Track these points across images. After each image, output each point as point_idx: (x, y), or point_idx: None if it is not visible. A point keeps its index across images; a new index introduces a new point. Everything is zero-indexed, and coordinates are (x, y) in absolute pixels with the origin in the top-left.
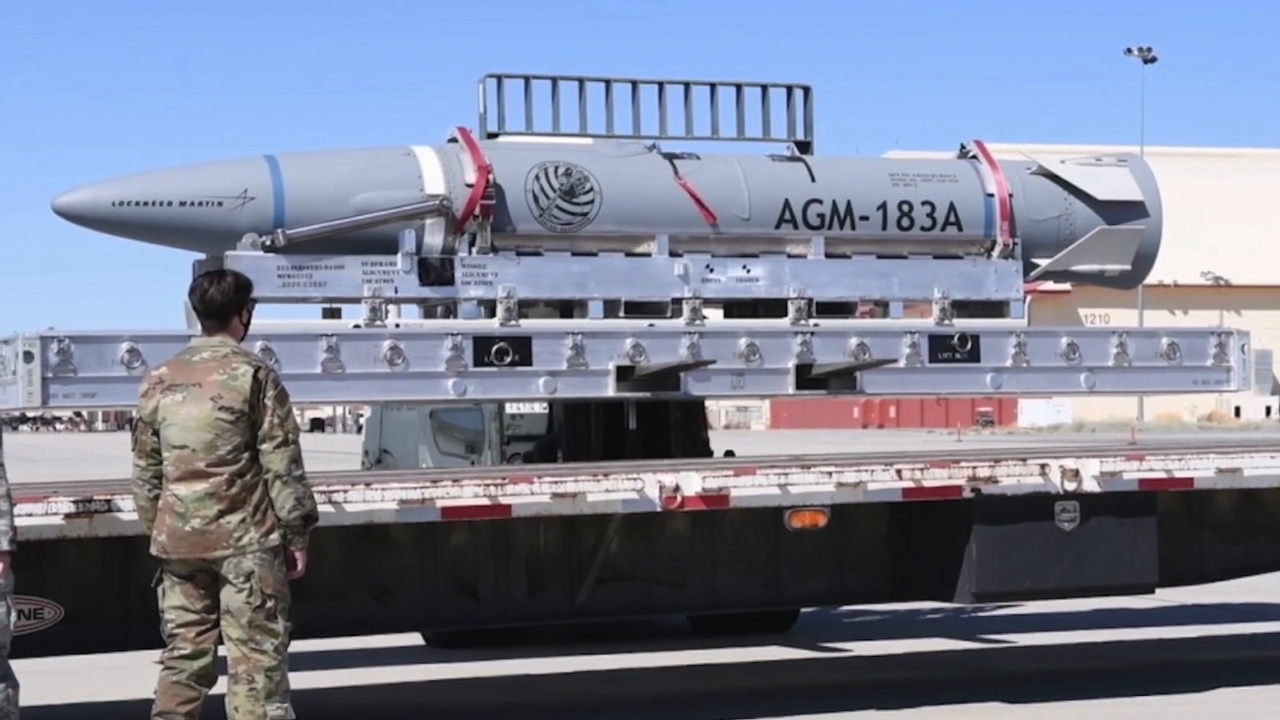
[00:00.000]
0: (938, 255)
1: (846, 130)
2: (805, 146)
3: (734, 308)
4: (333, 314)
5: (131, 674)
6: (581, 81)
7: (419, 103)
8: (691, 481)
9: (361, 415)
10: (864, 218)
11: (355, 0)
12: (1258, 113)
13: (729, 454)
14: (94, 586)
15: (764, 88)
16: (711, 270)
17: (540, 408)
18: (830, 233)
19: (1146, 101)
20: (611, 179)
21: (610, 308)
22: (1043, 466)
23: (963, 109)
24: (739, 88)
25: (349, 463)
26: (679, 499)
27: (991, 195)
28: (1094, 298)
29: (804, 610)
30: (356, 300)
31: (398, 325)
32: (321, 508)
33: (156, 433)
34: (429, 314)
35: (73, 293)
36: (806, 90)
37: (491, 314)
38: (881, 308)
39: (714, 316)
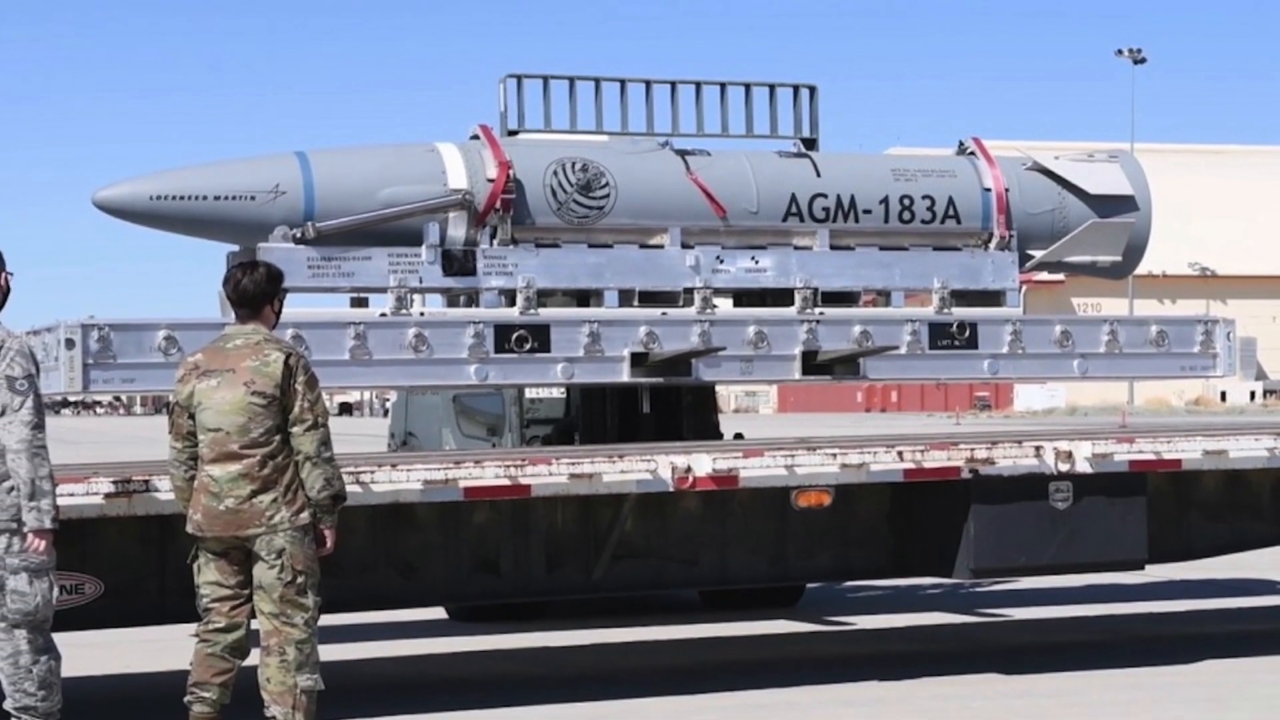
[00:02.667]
0: (937, 247)
1: (850, 128)
2: (811, 143)
3: (743, 297)
4: (360, 303)
5: (168, 646)
6: (598, 81)
7: (442, 102)
8: (702, 463)
9: (388, 400)
10: (867, 211)
11: (381, 4)
12: (1243, 111)
13: (738, 437)
14: (133, 563)
15: (771, 87)
16: (721, 261)
17: (558, 392)
18: (835, 225)
19: (1136, 100)
20: (626, 174)
21: (625, 297)
22: (1037, 448)
23: (961, 108)
24: (748, 87)
25: (376, 445)
26: (690, 479)
27: (989, 190)
28: (1086, 287)
29: (810, 586)
30: (383, 290)
31: (422, 314)
32: (349, 488)
33: (192, 416)
34: (452, 303)
35: (112, 283)
36: (812, 90)
37: (512, 303)
38: (884, 297)
39: (724, 305)
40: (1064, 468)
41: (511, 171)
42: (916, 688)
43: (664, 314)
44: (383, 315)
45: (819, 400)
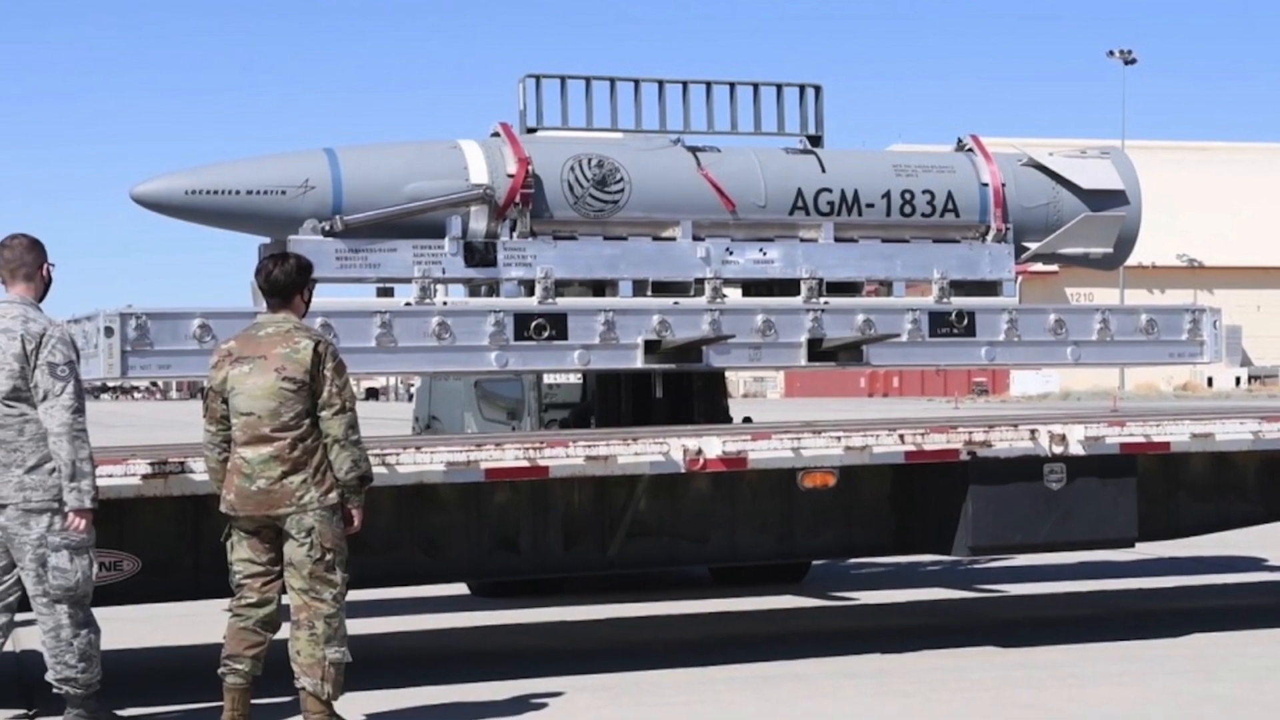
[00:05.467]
0: (937, 239)
1: (854, 126)
2: (816, 140)
3: (751, 287)
4: (386, 293)
5: (202, 621)
6: (613, 81)
7: (464, 101)
8: (713, 445)
9: (412, 385)
10: (870, 205)
11: (406, 6)
12: (1229, 110)
13: (747, 420)
14: (168, 541)
15: (779, 86)
16: (731, 253)
17: (575, 378)
18: (839, 219)
19: (1127, 99)
20: (640, 170)
21: (639, 287)
22: (1033, 432)
23: (960, 107)
24: (756, 86)
25: (401, 428)
26: (701, 461)
27: (986, 185)
28: (1079, 278)
29: (815, 563)
30: (407, 280)
31: (445, 303)
32: (375, 469)
33: (226, 401)
34: (474, 293)
35: (149, 273)
36: (817, 89)
37: (531, 293)
38: (886, 287)
39: (733, 295)
40: (1058, 450)
41: (530, 167)
42: (917, 660)
43: (676, 303)
44: (407, 305)
45: (824, 385)
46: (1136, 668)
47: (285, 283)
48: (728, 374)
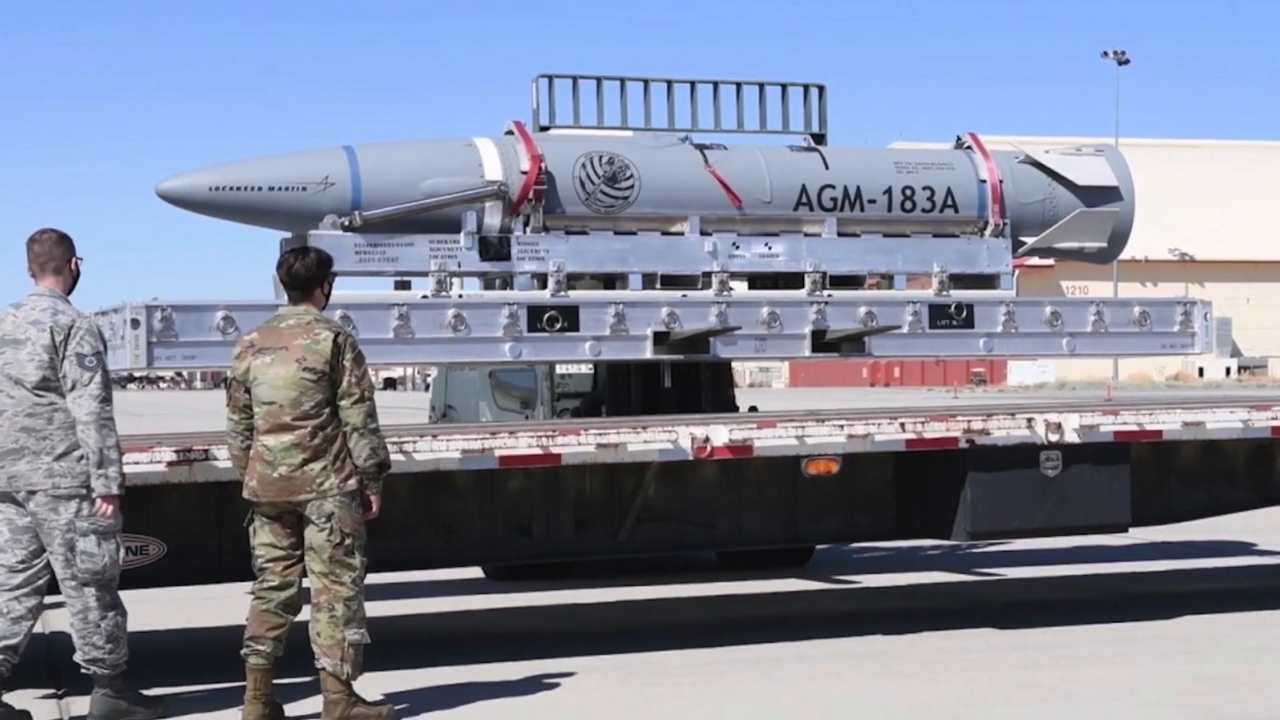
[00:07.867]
0: (937, 234)
1: (856, 124)
2: (820, 138)
3: (757, 280)
4: (403, 286)
5: (226, 603)
6: (623, 81)
7: (479, 100)
8: (720, 433)
9: (429, 375)
10: (872, 201)
11: (423, 9)
12: (1220, 109)
13: (753, 409)
14: (193, 526)
15: (783, 86)
16: (737, 247)
17: (586, 369)
18: (842, 214)
19: (1121, 98)
20: (649, 167)
21: (648, 280)
22: (1029, 420)
23: (959, 105)
24: (761, 86)
25: (418, 417)
26: (708, 449)
27: (984, 181)
28: (1074, 271)
29: (818, 547)
30: (424, 274)
31: (461, 296)
32: (394, 456)
33: (248, 390)
34: (488, 286)
35: (174, 268)
36: (821, 89)
37: (543, 286)
38: (887, 280)
39: (739, 288)
40: (1054, 438)
41: (543, 164)
42: (917, 641)
43: (684, 296)
44: (424, 297)
45: (827, 376)
46: (1130, 649)
47: (306, 276)
48: (734, 364)
